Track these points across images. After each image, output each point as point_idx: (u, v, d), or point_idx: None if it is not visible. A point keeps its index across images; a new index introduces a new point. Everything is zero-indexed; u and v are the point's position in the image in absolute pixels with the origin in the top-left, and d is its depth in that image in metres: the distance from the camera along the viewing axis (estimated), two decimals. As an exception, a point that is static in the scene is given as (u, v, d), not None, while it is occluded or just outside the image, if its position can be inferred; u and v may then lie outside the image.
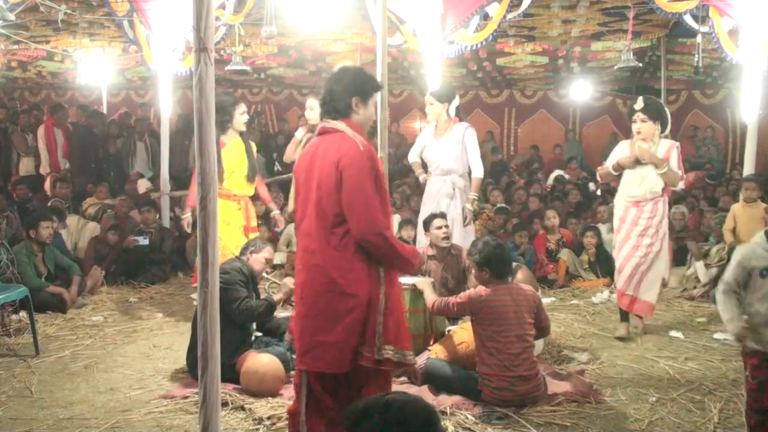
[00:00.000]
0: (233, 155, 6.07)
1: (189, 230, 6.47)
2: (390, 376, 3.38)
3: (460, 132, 6.09)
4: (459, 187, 6.10)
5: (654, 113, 5.65)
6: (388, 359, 3.15)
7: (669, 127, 5.77)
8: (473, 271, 4.56)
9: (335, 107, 3.25)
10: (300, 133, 6.66)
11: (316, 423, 3.28)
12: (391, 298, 3.21)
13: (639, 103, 5.69)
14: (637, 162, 5.63)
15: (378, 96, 3.43)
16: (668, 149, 5.62)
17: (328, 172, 3.14)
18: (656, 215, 5.65)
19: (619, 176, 5.84)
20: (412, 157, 6.47)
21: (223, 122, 5.94)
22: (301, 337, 3.28)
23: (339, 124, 3.23)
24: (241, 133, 6.20)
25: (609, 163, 5.85)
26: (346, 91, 3.25)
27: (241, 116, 6.14)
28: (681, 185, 5.74)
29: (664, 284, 5.92)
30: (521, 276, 5.13)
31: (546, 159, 15.20)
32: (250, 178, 6.27)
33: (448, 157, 6.09)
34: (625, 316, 5.90)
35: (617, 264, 5.83)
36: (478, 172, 6.11)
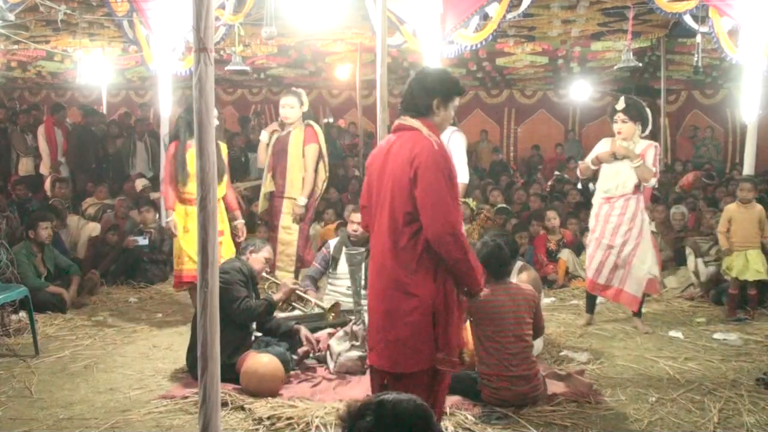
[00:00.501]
0: None
1: (176, 232, 6.18)
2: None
3: (445, 135, 6.06)
4: None
5: (634, 114, 5.72)
6: (465, 361, 3.22)
7: (650, 127, 5.82)
8: None
9: (415, 106, 3.25)
10: (265, 136, 6.63)
11: None
12: (458, 302, 3.21)
13: (620, 104, 5.74)
14: (614, 156, 5.73)
15: (457, 98, 3.37)
16: (645, 148, 5.72)
17: (402, 170, 3.13)
18: (627, 212, 5.72)
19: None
20: None
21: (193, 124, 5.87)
22: (370, 333, 3.33)
23: (416, 123, 3.22)
24: None
25: (589, 158, 5.98)
26: (429, 92, 3.24)
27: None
28: (653, 182, 5.82)
29: (655, 284, 5.93)
30: (525, 277, 5.09)
31: (546, 158, 15.21)
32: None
33: None
34: (590, 307, 6.13)
35: (593, 264, 5.87)
36: (463, 177, 6.02)
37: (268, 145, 6.61)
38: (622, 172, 5.72)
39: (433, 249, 3.09)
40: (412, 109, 3.25)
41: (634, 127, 5.71)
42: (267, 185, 6.56)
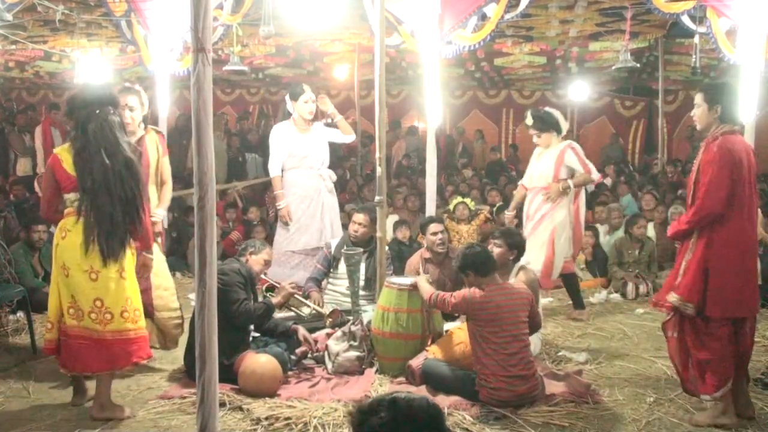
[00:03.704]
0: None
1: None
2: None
3: (320, 127, 6.55)
4: (333, 180, 6.61)
5: (542, 125, 6.14)
6: None
7: (566, 128, 6.26)
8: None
9: (732, 116, 4.21)
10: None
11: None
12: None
13: (528, 120, 6.22)
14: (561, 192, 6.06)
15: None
16: (562, 150, 6.06)
17: (754, 161, 4.16)
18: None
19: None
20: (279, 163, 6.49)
21: (110, 119, 4.09)
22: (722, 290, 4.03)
23: (736, 128, 4.20)
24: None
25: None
26: (738, 104, 4.31)
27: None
28: (594, 178, 6.27)
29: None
30: (523, 277, 5.05)
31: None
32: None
33: (322, 151, 6.49)
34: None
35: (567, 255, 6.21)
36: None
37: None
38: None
39: None
40: (731, 120, 4.18)
41: (549, 135, 6.11)
42: None
